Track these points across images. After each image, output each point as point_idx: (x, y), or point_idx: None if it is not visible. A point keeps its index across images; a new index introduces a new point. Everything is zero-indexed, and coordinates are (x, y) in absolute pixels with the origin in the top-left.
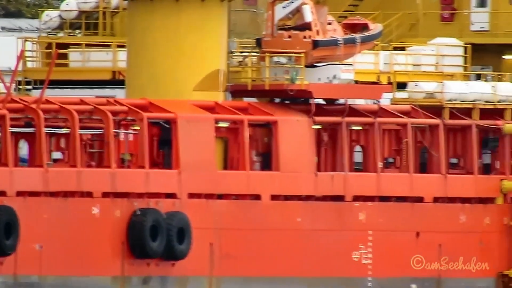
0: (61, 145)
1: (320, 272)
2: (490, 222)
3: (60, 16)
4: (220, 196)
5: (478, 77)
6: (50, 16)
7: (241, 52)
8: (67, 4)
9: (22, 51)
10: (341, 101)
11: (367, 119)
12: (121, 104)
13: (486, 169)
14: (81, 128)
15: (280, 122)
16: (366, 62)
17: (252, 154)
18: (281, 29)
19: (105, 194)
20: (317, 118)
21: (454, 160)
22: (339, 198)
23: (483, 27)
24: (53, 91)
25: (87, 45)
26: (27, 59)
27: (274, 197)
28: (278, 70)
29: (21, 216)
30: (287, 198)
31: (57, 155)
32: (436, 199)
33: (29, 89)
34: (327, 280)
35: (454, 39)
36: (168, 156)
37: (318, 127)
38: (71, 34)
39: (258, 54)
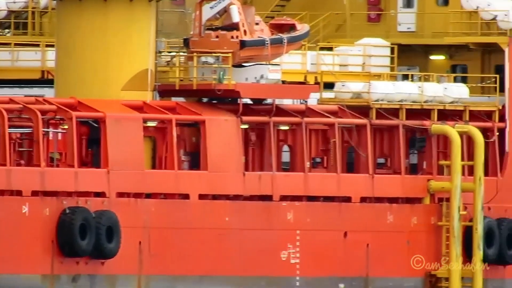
0: None
1: (249, 271)
2: (418, 222)
3: None
4: (149, 195)
5: (405, 77)
6: None
7: (169, 52)
8: None
9: None
10: (269, 101)
11: (295, 119)
12: (50, 103)
13: (413, 169)
14: (10, 127)
15: (208, 121)
16: (294, 62)
17: (180, 153)
18: (208, 29)
19: (35, 193)
20: (245, 118)
21: (381, 160)
22: (267, 198)
23: (409, 28)
24: None
25: (16, 45)
26: None
27: (202, 197)
28: (205, 70)
29: None
30: (215, 197)
31: None
32: (363, 199)
33: None
34: (256, 279)
35: (381, 40)
36: (97, 155)
37: (246, 126)
38: (0, 33)
39: (186, 54)
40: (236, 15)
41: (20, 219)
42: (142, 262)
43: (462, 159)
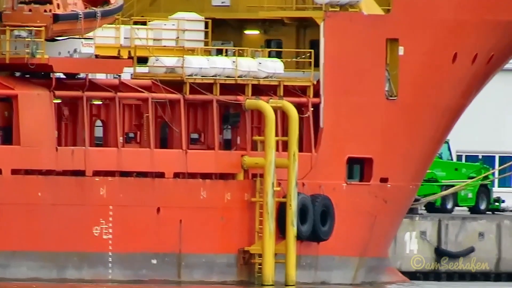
0: None
1: (61, 247)
2: (231, 198)
3: None
4: None
5: (220, 52)
6: None
7: None
8: None
9: None
10: (82, 75)
11: (108, 93)
12: None
13: (228, 145)
14: None
15: (20, 96)
16: (107, 36)
17: None
18: (21, 2)
19: None
20: (58, 92)
21: (195, 136)
22: (80, 173)
23: (224, 2)
24: None
25: None
26: None
27: (14, 171)
28: (18, 44)
29: None
30: (27, 172)
31: None
32: (176, 175)
33: None
34: (68, 255)
35: (195, 14)
36: None
37: (59, 101)
38: None
39: None
40: None
41: None
42: None
43: (277, 135)
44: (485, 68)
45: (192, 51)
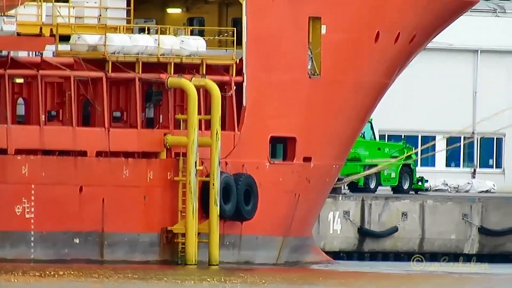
0: None
1: None
2: (154, 177)
3: None
4: None
5: (142, 30)
6: None
7: None
8: None
9: None
10: (4, 53)
11: (30, 71)
12: None
13: (150, 124)
14: None
15: None
16: (29, 14)
17: None
18: None
19: None
20: None
21: (117, 114)
22: (2, 151)
23: None
24: None
25: None
26: None
27: None
28: None
29: None
30: None
31: None
32: (99, 153)
33: None
34: None
35: None
36: None
37: None
38: None
39: None
40: None
41: None
42: None
43: (199, 113)
44: (408, 47)
45: (114, 29)
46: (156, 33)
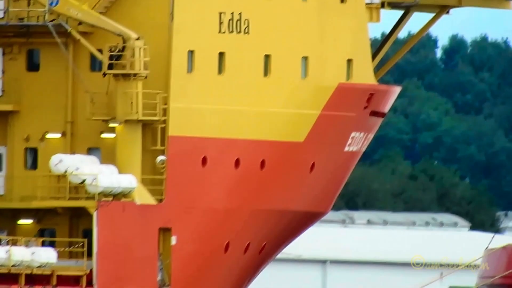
0: None
1: None
2: None
3: None
4: None
5: None
6: None
7: None
8: None
9: None
10: None
11: None
12: None
13: None
14: None
15: None
16: None
17: None
18: None
19: None
20: None
21: None
22: None
23: None
24: None
25: None
26: None
27: None
28: None
29: None
30: None
31: None
32: None
33: None
34: None
35: None
36: None
37: None
38: None
39: None
40: None
41: None
42: None
43: None
44: (257, 257)
45: None
46: (8, 244)
